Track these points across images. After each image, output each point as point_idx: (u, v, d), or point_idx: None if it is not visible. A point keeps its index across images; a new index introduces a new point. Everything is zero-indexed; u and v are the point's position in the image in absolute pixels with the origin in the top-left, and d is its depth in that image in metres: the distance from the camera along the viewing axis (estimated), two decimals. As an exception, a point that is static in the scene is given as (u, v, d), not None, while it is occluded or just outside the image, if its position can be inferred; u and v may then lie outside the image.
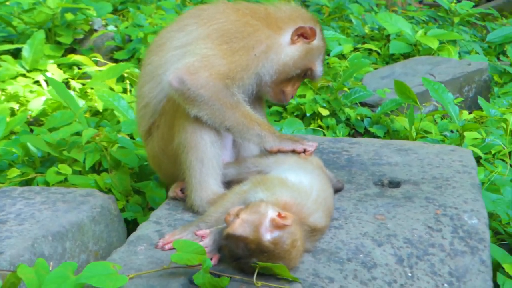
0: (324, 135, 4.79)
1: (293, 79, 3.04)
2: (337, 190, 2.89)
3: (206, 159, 2.78)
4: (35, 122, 4.59)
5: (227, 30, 2.83)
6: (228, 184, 2.83)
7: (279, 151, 2.78)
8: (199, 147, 2.77)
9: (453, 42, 6.75)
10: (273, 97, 3.08)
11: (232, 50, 2.79)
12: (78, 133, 3.72)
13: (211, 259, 2.30)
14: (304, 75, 3.07)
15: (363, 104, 5.31)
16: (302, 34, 2.96)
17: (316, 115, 5.05)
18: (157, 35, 3.11)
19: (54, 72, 5.11)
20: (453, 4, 7.50)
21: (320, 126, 4.99)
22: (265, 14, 2.99)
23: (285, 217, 2.22)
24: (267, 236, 2.19)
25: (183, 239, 2.45)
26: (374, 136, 4.92)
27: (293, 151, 2.77)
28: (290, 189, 2.45)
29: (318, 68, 3.07)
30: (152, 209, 3.55)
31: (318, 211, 2.46)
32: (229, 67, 2.76)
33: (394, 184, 3.04)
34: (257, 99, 3.14)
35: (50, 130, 3.84)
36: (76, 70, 5.54)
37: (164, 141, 2.95)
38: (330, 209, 2.61)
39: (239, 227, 2.21)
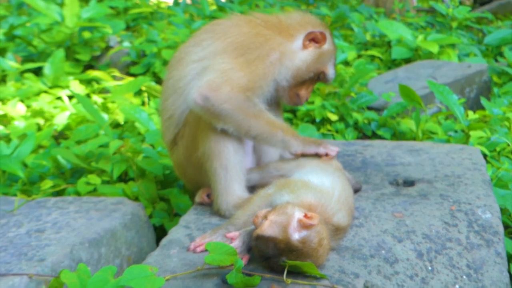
0: (334, 139, 4.90)
1: (307, 82, 3.11)
2: (355, 191, 2.99)
3: (230, 166, 2.87)
4: (60, 136, 4.70)
5: (240, 43, 2.90)
6: (252, 188, 2.92)
7: (303, 155, 2.88)
8: (223, 155, 2.85)
9: (452, 45, 6.84)
10: (288, 101, 3.15)
11: (248, 61, 2.86)
12: (103, 145, 3.86)
13: (241, 259, 2.34)
14: (317, 79, 3.14)
15: (369, 108, 5.41)
16: (313, 39, 3.04)
17: (325, 120, 5.15)
18: (176, 51, 3.19)
19: (76, 87, 5.24)
20: (450, 10, 7.65)
21: (329, 131, 5.10)
22: (277, 22, 3.06)
23: (311, 217, 2.29)
24: (296, 235, 2.25)
25: (214, 241, 2.52)
26: (381, 138, 5.02)
27: (316, 154, 2.87)
28: (313, 191, 2.53)
29: (330, 71, 3.14)
30: (177, 215, 3.64)
31: (341, 211, 2.54)
32: (247, 79, 2.83)
33: (409, 183, 3.15)
34: (275, 104, 3.25)
35: (77, 142, 3.97)
36: (95, 85, 5.65)
37: (188, 150, 3.03)
38: (352, 209, 2.69)
39: (268, 228, 2.27)
